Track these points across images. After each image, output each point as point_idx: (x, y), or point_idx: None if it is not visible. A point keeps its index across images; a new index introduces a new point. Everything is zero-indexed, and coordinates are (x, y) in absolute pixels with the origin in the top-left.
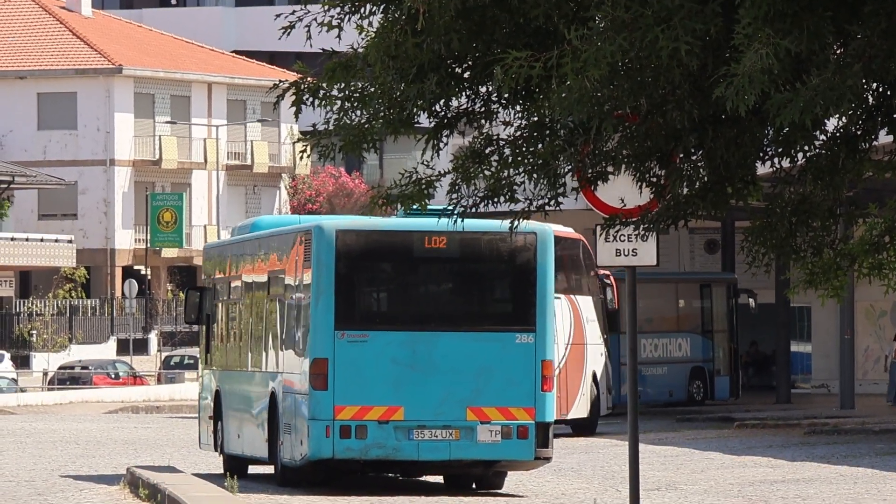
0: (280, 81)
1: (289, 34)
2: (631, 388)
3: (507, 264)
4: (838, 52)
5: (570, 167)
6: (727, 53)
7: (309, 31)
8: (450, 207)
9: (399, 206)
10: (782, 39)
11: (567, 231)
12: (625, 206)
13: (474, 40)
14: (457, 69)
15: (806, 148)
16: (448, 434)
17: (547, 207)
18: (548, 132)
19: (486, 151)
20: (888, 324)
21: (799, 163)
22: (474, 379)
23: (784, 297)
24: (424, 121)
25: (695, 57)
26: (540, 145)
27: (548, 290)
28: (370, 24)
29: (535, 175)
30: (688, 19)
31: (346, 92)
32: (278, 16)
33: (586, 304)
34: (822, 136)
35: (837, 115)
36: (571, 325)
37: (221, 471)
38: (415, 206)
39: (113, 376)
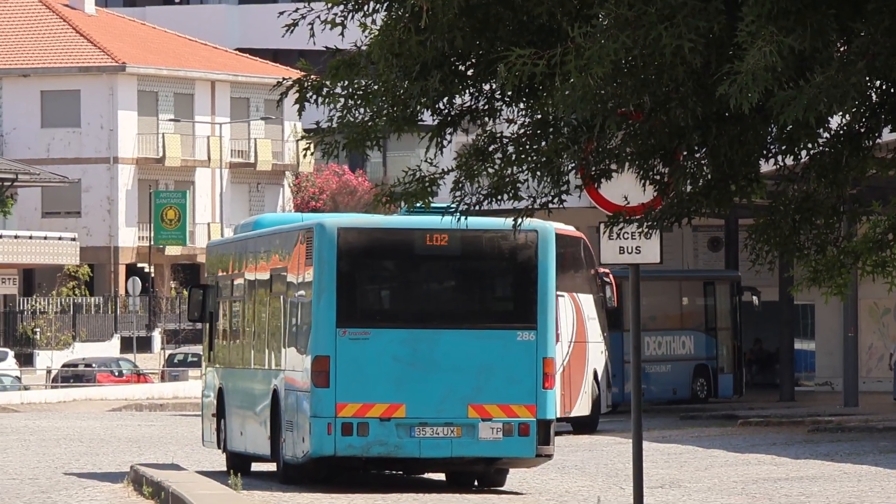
0: (283, 79)
1: (292, 32)
2: (635, 386)
3: (509, 262)
4: (842, 49)
5: (573, 165)
6: (730, 51)
7: (312, 28)
8: (453, 205)
9: (403, 203)
10: (786, 37)
11: (568, 229)
12: (628, 203)
13: (478, 38)
14: (460, 67)
15: (809, 146)
16: (449, 431)
17: (550, 205)
18: (551, 130)
19: (490, 149)
20: (892, 321)
21: (802, 160)
22: (476, 376)
23: (788, 294)
24: (428, 118)
25: (698, 55)
26: (543, 143)
27: (549, 288)
28: (373, 21)
29: (538, 173)
30: (691, 17)
31: (350, 90)
32: (282, 13)
33: (587, 302)
34: (826, 134)
35: (841, 113)
36: (574, 323)
37: (225, 468)
38: (418, 204)
39: (116, 374)
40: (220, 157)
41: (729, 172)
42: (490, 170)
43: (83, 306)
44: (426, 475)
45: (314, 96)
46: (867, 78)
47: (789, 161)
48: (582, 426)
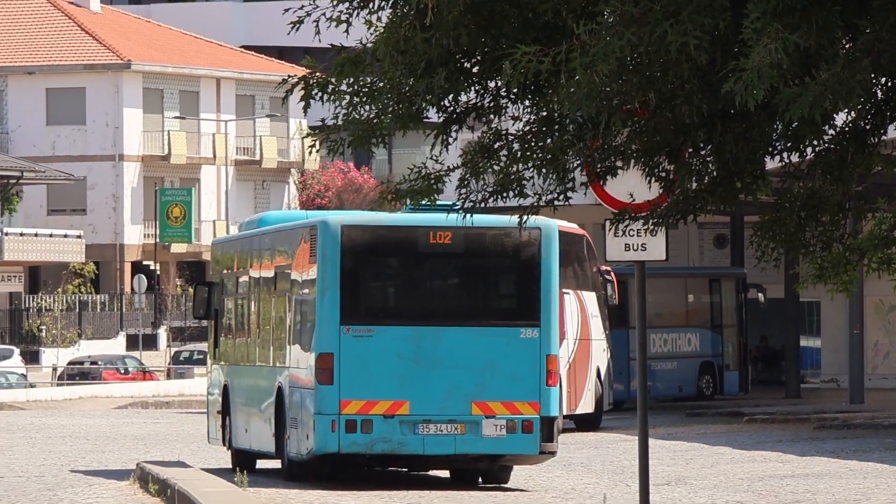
0: (289, 76)
1: (297, 29)
2: (640, 383)
3: (512, 259)
4: (847, 46)
5: (579, 162)
6: (736, 48)
7: (318, 26)
8: (458, 202)
9: (408, 200)
10: (791, 34)
11: (571, 226)
12: (634, 200)
13: (483, 35)
14: (465, 64)
15: (815, 143)
16: (453, 428)
17: (556, 202)
18: (557, 127)
19: (495, 146)
20: None
21: (808, 157)
22: (479, 373)
23: (793, 291)
24: (433, 116)
25: (703, 52)
26: (549, 140)
27: (552, 286)
28: (379, 19)
29: (543, 170)
30: (696, 14)
31: (355, 87)
32: (287, 11)
33: (591, 299)
34: (831, 131)
35: (846, 110)
36: (578, 321)
37: (230, 465)
38: (424, 201)
39: (122, 371)
40: (225, 154)
41: (734, 169)
42: (495, 167)
43: (89, 304)
44: (430, 472)
45: (319, 93)
46: (873, 75)
47: (795, 158)
48: (585, 423)
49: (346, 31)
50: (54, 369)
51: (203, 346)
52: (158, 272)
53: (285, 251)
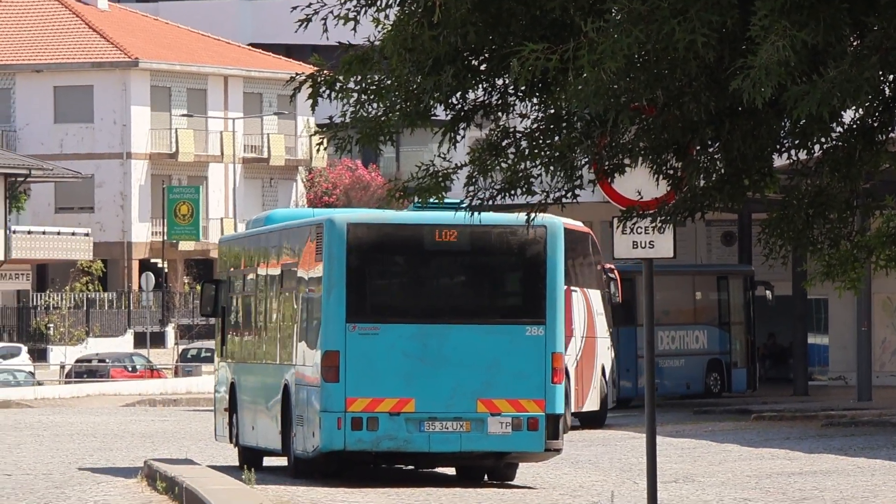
0: (296, 74)
1: (305, 27)
2: (648, 381)
3: (518, 257)
4: (855, 43)
5: (586, 159)
6: (744, 45)
7: (325, 23)
8: (465, 200)
9: (416, 198)
10: (799, 31)
11: (576, 224)
12: (642, 198)
13: (491, 33)
14: (473, 62)
15: (822, 140)
16: (459, 426)
17: (564, 200)
18: (564, 124)
19: (503, 144)
20: None
21: (816, 155)
22: (485, 371)
23: (801, 289)
24: (441, 113)
25: (711, 49)
26: (557, 138)
27: (558, 283)
28: (386, 16)
29: (551, 167)
30: (704, 11)
31: (363, 85)
32: (295, 8)
33: (596, 297)
34: (839, 128)
35: (854, 107)
36: (585, 319)
37: (237, 463)
38: (432, 199)
39: (130, 369)
40: (233, 152)
41: (742, 167)
42: (503, 164)
43: (96, 302)
44: (437, 470)
45: (327, 91)
46: (880, 72)
47: (802, 155)
48: (590, 421)
49: (354, 28)
50: (62, 367)
51: (211, 343)
52: (166, 270)
53: (292, 249)
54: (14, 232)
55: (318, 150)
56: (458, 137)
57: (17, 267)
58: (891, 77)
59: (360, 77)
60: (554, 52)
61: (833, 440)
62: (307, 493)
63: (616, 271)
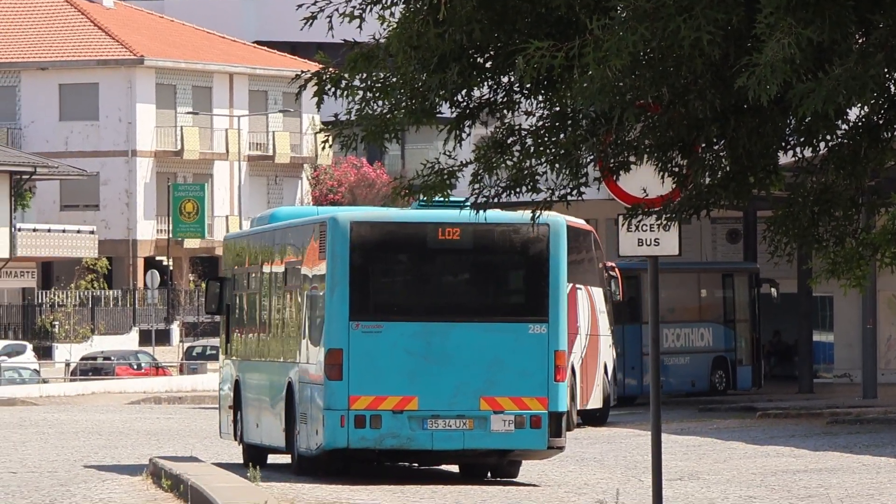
0: (302, 72)
1: (311, 25)
2: (653, 378)
3: (521, 255)
4: (860, 41)
5: (592, 157)
6: (749, 43)
7: (331, 21)
8: (470, 198)
9: (421, 196)
10: (804, 29)
11: (578, 222)
12: (647, 195)
13: (496, 30)
14: (478, 59)
15: (828, 137)
16: (462, 424)
17: (569, 197)
18: (570, 122)
19: (509, 141)
20: None
21: (821, 152)
22: (487, 369)
23: (806, 286)
24: (446, 111)
25: (717, 47)
26: (562, 135)
27: (560, 281)
28: (392, 14)
29: (557, 165)
30: (709, 9)
31: (368, 82)
32: (300, 6)
33: (599, 295)
34: (844, 126)
35: (860, 105)
36: (589, 317)
37: (241, 460)
38: (438, 197)
39: (135, 367)
40: (238, 149)
41: (747, 164)
42: (509, 162)
43: (101, 299)
44: (441, 467)
45: (332, 89)
46: (886, 70)
47: (808, 153)
48: (593, 419)
49: (360, 26)
50: (67, 365)
51: (216, 341)
52: (171, 268)
53: (295, 247)
54: (19, 230)
55: (323, 148)
56: (464, 135)
57: (22, 265)
58: None
59: (365, 75)
60: (559, 50)
61: (838, 437)
62: (312, 491)
63: (617, 269)
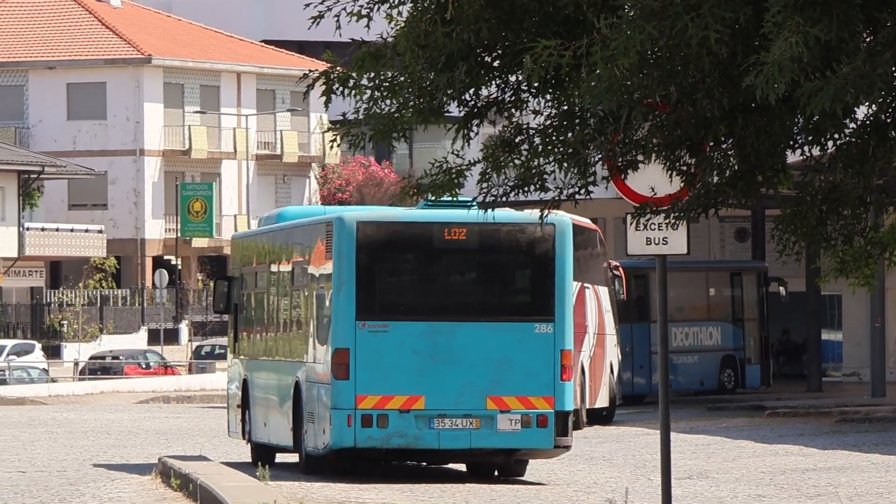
0: (310, 71)
1: (318, 24)
2: (662, 377)
3: (527, 255)
4: (868, 39)
5: (600, 156)
6: (756, 42)
7: (338, 20)
8: (478, 197)
9: (430, 195)
10: (812, 27)
11: (584, 221)
12: (655, 194)
13: (503, 29)
14: (486, 58)
15: (836, 136)
16: (468, 423)
17: (577, 196)
18: (578, 121)
19: (516, 140)
20: None
21: (829, 151)
22: (494, 368)
23: (815, 285)
24: (454, 110)
25: (724, 45)
26: (570, 134)
27: (566, 281)
28: (399, 13)
29: (565, 164)
30: (717, 7)
31: (376, 81)
32: (307, 5)
33: (604, 294)
34: (852, 125)
35: (868, 103)
36: (596, 316)
37: (250, 459)
38: (446, 196)
39: (144, 366)
40: (246, 149)
41: (755, 163)
42: (516, 161)
43: (110, 299)
44: (448, 466)
45: (340, 88)
46: (894, 68)
47: (816, 151)
48: (599, 418)
49: (367, 25)
50: (76, 364)
51: (224, 340)
52: (179, 267)
53: (302, 247)
54: (28, 229)
55: (331, 147)
56: (472, 134)
57: (30, 264)
58: None
59: (373, 74)
60: (567, 49)
61: (847, 436)
62: (321, 490)
63: (621, 269)
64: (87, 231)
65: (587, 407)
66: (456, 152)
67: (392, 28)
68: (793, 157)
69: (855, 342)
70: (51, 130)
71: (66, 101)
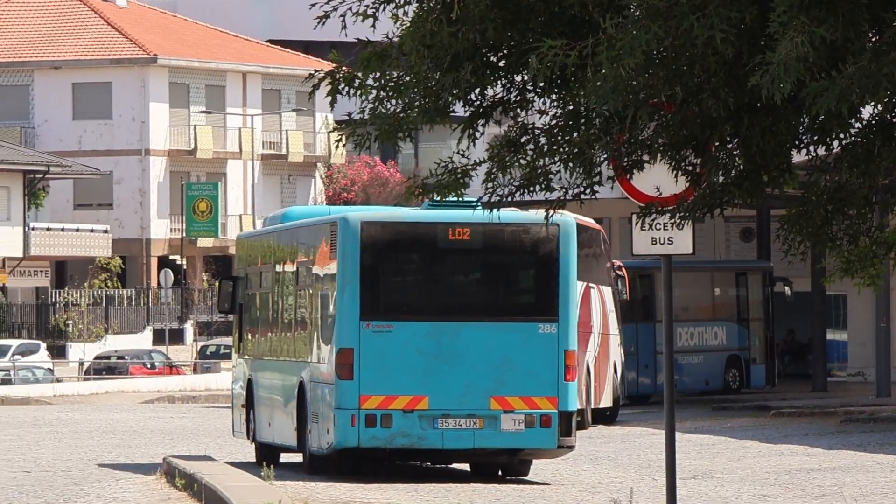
0: (315, 71)
1: (324, 24)
2: (667, 377)
3: (531, 255)
4: (874, 39)
5: (605, 156)
6: (762, 41)
7: (344, 20)
8: (483, 197)
9: (435, 194)
10: (817, 27)
11: (587, 221)
12: (660, 194)
13: (509, 29)
14: (492, 58)
15: (841, 136)
16: (472, 423)
17: (582, 196)
18: (583, 121)
19: (522, 140)
20: None
21: (834, 151)
22: (498, 368)
23: (820, 285)
24: (460, 110)
25: (730, 45)
26: (575, 134)
27: (570, 281)
28: (405, 13)
29: (570, 164)
30: (723, 7)
31: (382, 81)
32: (313, 5)
33: (608, 294)
34: (858, 124)
35: (873, 103)
36: (600, 315)
37: (254, 459)
38: (451, 196)
39: (149, 366)
40: (251, 148)
41: (761, 163)
42: (522, 161)
43: (115, 298)
44: (453, 466)
45: (346, 88)
46: None
47: (821, 151)
48: (603, 417)
49: (373, 25)
50: (81, 364)
51: (229, 340)
52: (185, 267)
53: (307, 247)
54: (33, 229)
55: (336, 147)
56: (477, 134)
57: (36, 264)
58: None
59: (378, 74)
60: (572, 49)
61: (852, 436)
62: (326, 490)
63: (623, 269)
64: (92, 231)
65: (592, 407)
66: (461, 152)
67: (398, 28)
68: (798, 157)
69: (860, 342)
70: (56, 130)
71: (71, 100)
